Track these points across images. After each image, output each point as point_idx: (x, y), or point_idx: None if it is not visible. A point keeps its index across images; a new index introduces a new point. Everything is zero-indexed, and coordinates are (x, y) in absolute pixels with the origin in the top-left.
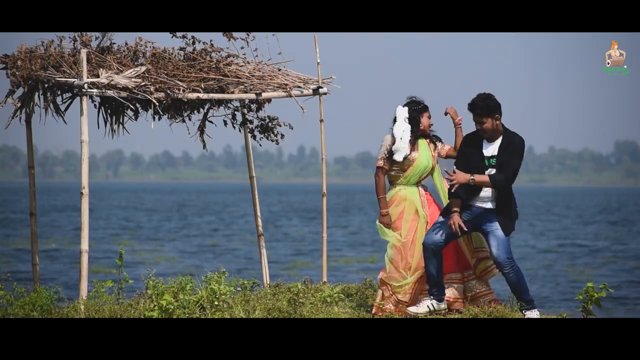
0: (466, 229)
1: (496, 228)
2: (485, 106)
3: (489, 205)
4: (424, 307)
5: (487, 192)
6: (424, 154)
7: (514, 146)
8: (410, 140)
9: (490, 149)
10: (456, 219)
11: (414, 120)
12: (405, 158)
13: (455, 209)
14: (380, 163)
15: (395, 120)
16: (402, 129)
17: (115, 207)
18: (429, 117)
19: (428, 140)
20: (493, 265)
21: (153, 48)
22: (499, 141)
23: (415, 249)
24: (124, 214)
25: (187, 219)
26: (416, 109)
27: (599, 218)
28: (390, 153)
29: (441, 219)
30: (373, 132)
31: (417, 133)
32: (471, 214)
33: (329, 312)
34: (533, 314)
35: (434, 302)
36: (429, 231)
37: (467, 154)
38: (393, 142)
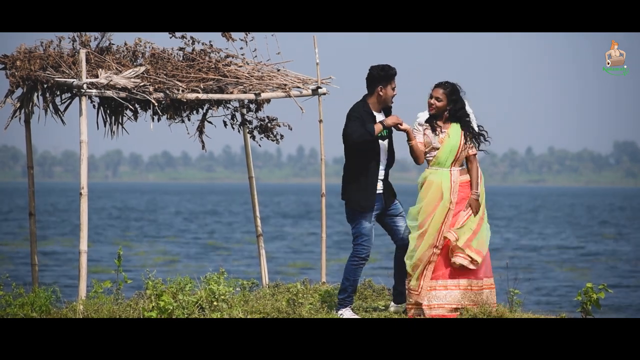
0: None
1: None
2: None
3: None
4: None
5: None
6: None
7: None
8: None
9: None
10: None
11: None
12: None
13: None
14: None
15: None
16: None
17: (114, 208)
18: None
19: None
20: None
21: (152, 48)
22: None
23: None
24: (123, 214)
25: (186, 219)
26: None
27: None
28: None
29: None
30: None
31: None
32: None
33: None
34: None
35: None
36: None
37: None
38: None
